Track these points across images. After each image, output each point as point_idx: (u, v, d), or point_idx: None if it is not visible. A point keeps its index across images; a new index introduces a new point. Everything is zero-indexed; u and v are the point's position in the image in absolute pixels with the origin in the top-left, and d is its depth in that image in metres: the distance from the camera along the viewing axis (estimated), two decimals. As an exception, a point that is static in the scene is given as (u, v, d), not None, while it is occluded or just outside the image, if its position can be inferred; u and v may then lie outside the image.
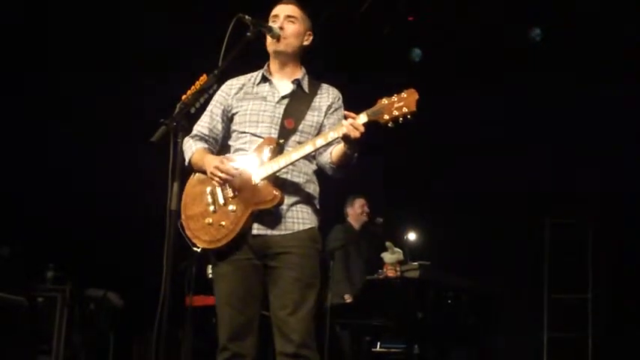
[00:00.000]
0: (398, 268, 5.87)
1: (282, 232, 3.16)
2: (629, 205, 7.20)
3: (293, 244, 3.15)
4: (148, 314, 3.17)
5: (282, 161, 3.08)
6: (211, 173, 3.14)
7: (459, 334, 5.80)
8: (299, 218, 3.20)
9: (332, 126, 3.23)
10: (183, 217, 3.20)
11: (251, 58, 3.18)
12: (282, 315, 3.10)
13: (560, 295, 7.76)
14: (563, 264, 7.79)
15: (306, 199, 3.23)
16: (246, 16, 3.12)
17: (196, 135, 3.33)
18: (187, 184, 3.26)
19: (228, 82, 3.36)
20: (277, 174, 3.12)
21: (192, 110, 2.89)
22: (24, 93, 6.83)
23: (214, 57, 3.04)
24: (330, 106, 3.30)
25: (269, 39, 3.27)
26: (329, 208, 3.67)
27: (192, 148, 3.29)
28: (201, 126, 3.34)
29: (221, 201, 3.16)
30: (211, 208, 3.17)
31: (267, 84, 3.31)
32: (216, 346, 3.22)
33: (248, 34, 3.11)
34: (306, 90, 3.30)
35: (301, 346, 3.06)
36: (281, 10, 3.31)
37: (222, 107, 3.32)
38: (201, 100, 2.92)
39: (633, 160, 7.10)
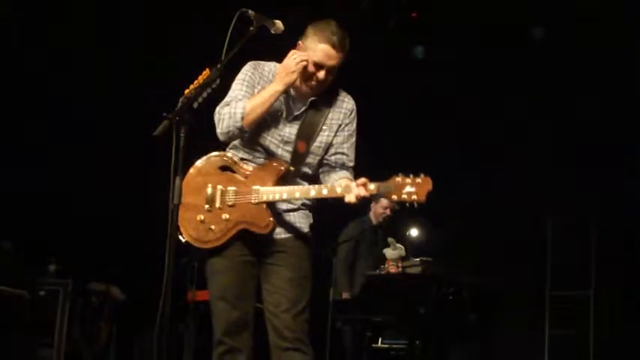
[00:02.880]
0: (400, 264, 5.88)
1: (281, 236, 3.19)
2: (632, 202, 7.19)
3: (289, 245, 3.19)
4: (150, 308, 3.18)
5: (285, 194, 3.09)
6: (297, 63, 3.05)
7: (460, 330, 5.81)
8: (296, 222, 3.23)
9: (339, 145, 3.24)
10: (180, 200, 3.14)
11: (253, 52, 3.18)
12: (276, 312, 3.13)
13: (562, 292, 7.76)
14: (565, 261, 7.79)
15: (304, 203, 3.26)
16: (250, 11, 3.11)
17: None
18: (190, 171, 3.19)
19: (261, 67, 3.24)
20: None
21: (195, 105, 2.88)
22: (23, 91, 6.83)
23: (217, 52, 3.04)
24: (340, 125, 3.26)
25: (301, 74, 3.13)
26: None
27: (240, 106, 3.10)
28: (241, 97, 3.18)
29: (218, 204, 3.13)
30: (207, 206, 3.13)
31: (285, 95, 3.19)
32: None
33: (251, 28, 3.10)
34: (321, 107, 3.23)
35: (295, 340, 3.10)
36: (328, 60, 3.12)
37: (252, 88, 3.20)
38: (204, 94, 2.91)
39: (636, 158, 7.10)
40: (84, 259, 6.69)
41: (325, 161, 3.27)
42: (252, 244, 3.17)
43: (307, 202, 3.27)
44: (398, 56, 7.75)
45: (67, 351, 6.40)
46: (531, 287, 7.80)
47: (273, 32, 3.22)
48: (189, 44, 6.65)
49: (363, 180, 3.01)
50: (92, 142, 7.09)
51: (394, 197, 2.97)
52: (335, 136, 3.25)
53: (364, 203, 6.29)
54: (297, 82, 3.16)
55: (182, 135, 2.79)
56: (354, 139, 3.30)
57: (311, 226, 3.30)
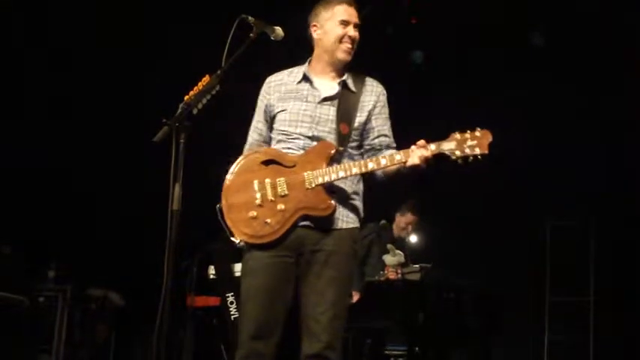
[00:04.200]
0: (399, 271, 5.87)
1: (326, 228, 3.08)
2: (631, 206, 7.20)
3: (334, 242, 3.08)
4: (149, 314, 3.17)
5: (341, 172, 3.03)
6: None
7: (460, 336, 5.80)
8: (344, 216, 3.13)
9: (380, 127, 3.22)
10: (224, 203, 3.11)
11: (254, 58, 3.18)
12: (314, 313, 3.02)
13: (561, 297, 7.76)
14: (564, 266, 7.79)
15: (352, 198, 3.17)
16: (250, 17, 3.12)
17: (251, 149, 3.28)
18: (232, 170, 3.16)
19: (268, 80, 3.31)
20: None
21: (195, 111, 2.88)
22: (25, 91, 6.84)
23: (217, 57, 3.04)
24: (374, 106, 3.23)
25: (331, 45, 3.19)
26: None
27: (246, 147, 3.29)
28: (252, 143, 3.29)
29: (270, 197, 3.05)
30: (257, 201, 3.05)
31: (308, 84, 3.22)
32: (216, 347, 3.21)
33: (251, 35, 3.11)
34: (353, 89, 3.22)
35: (327, 348, 3.00)
36: (351, 17, 3.21)
37: (264, 111, 3.26)
38: (204, 100, 2.91)
39: (635, 161, 7.10)
40: (83, 265, 6.68)
41: (369, 146, 3.22)
42: (295, 241, 3.06)
43: (357, 191, 3.19)
44: (397, 62, 7.76)
45: (66, 357, 6.40)
46: (531, 292, 7.80)
47: (273, 38, 3.23)
48: (190, 45, 6.68)
49: (422, 142, 2.98)
50: (92, 145, 7.08)
51: (458, 153, 2.93)
52: (371, 119, 3.21)
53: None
54: (328, 60, 3.21)
55: (181, 141, 2.80)
56: (389, 121, 3.28)
57: (360, 220, 3.21)
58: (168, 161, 2.78)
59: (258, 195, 3.06)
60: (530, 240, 7.83)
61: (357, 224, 3.18)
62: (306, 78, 3.23)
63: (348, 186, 3.14)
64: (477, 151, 2.91)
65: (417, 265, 5.89)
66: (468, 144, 2.92)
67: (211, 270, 5.63)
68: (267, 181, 3.07)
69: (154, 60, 7.00)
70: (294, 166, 3.08)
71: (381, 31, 7.37)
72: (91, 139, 7.08)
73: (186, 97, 2.91)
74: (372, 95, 3.25)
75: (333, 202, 3.03)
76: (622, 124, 7.18)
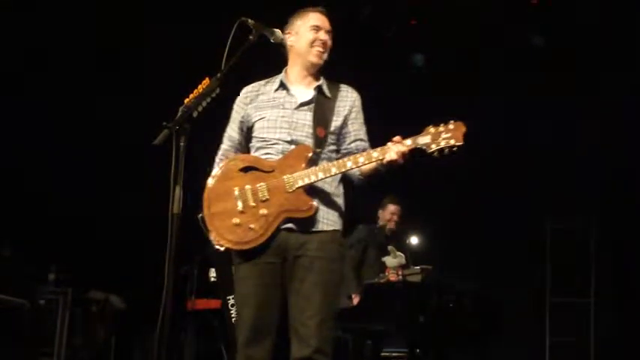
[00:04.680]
0: (400, 272, 5.87)
1: (308, 230, 3.10)
2: (631, 207, 7.20)
3: (317, 247, 3.09)
4: (149, 317, 3.17)
5: (320, 174, 3.06)
6: None
7: (460, 338, 5.79)
8: (325, 218, 3.14)
9: (356, 132, 3.26)
10: (206, 212, 3.14)
11: (253, 61, 3.18)
12: (301, 318, 3.04)
13: (562, 299, 7.75)
14: (565, 268, 7.79)
15: (333, 200, 3.18)
16: (249, 20, 3.12)
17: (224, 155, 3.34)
18: (211, 179, 3.19)
19: (244, 91, 3.36)
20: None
21: (195, 114, 2.88)
22: (24, 93, 6.84)
23: (217, 59, 3.04)
24: (350, 111, 3.28)
25: (304, 49, 3.26)
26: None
27: (219, 153, 3.36)
28: (226, 149, 3.35)
29: (251, 203, 3.08)
30: (239, 207, 3.09)
31: (285, 91, 3.27)
32: (218, 349, 3.22)
33: (251, 37, 3.11)
34: (328, 94, 3.28)
35: (317, 352, 3.02)
36: (323, 23, 3.29)
37: (239, 121, 3.31)
38: (204, 103, 2.91)
39: (635, 162, 7.10)
40: (84, 268, 6.68)
41: (346, 150, 3.26)
42: (278, 246, 3.09)
43: (338, 193, 3.22)
44: (398, 64, 7.77)
45: (67, 360, 6.40)
46: (531, 293, 7.80)
47: (272, 41, 3.24)
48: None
49: (397, 137, 3.02)
50: (92, 149, 7.09)
51: (433, 147, 2.96)
52: (347, 124, 3.26)
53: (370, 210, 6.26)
54: (301, 64, 3.27)
55: (182, 144, 2.80)
56: (365, 127, 3.32)
57: (343, 222, 3.22)
58: (168, 164, 2.78)
59: (239, 202, 3.10)
60: (530, 241, 7.83)
61: (337, 227, 3.20)
62: (282, 85, 3.29)
63: (328, 188, 3.17)
64: (452, 142, 2.93)
65: (417, 267, 5.88)
66: (442, 137, 2.95)
67: (212, 273, 5.63)
68: (248, 187, 3.10)
69: (155, 62, 7.01)
70: (272, 170, 3.12)
71: (380, 32, 7.39)
72: (92, 143, 7.08)
73: (186, 100, 2.91)
74: (347, 100, 3.30)
75: (314, 202, 3.08)
76: (621, 125, 7.18)
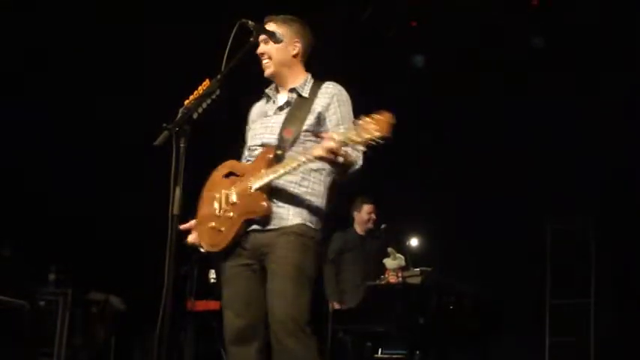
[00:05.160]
0: (400, 274, 5.87)
1: (269, 228, 3.15)
2: (631, 208, 7.19)
3: (283, 242, 3.13)
4: (149, 318, 3.18)
5: (270, 174, 3.10)
6: None
7: (460, 339, 5.80)
8: (288, 214, 3.16)
9: (334, 129, 3.20)
10: (196, 217, 3.29)
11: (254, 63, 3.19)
12: (270, 306, 3.08)
13: (562, 299, 7.75)
14: (564, 268, 7.79)
15: (298, 196, 3.19)
16: (249, 22, 3.12)
17: None
18: (204, 186, 3.31)
19: (252, 108, 3.49)
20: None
21: (195, 115, 2.88)
22: (24, 93, 6.84)
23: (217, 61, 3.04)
24: (327, 108, 3.26)
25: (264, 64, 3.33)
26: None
27: None
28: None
29: (224, 206, 3.18)
30: (217, 212, 3.20)
31: (271, 101, 3.38)
32: (217, 350, 3.24)
33: (251, 39, 3.12)
34: (306, 95, 3.29)
35: (286, 334, 3.03)
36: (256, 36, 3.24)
37: (245, 135, 3.44)
38: (204, 105, 2.91)
39: (635, 163, 7.10)
40: (84, 269, 6.68)
41: None
42: (252, 247, 3.16)
43: (308, 190, 3.21)
44: (398, 66, 7.77)
45: (67, 361, 6.40)
46: (531, 295, 7.79)
47: (273, 43, 3.24)
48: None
49: (328, 134, 3.02)
50: (92, 149, 7.08)
51: (357, 139, 2.88)
52: (325, 122, 3.24)
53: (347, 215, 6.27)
54: (265, 73, 3.34)
55: (182, 145, 2.80)
56: (347, 121, 3.21)
57: (310, 217, 3.19)
58: (168, 165, 2.78)
59: (216, 206, 3.21)
60: (530, 242, 7.83)
61: (300, 220, 3.16)
62: (267, 96, 3.41)
63: (292, 187, 3.19)
64: (377, 134, 2.85)
65: (417, 269, 5.89)
66: (368, 128, 2.88)
67: (212, 274, 5.64)
68: (224, 192, 3.20)
69: (155, 62, 7.00)
70: (244, 174, 3.20)
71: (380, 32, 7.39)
72: (91, 144, 7.08)
73: (186, 102, 2.92)
74: (325, 98, 3.28)
75: (265, 203, 3.12)
76: (622, 126, 7.18)
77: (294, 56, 3.34)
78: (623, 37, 6.93)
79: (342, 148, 2.96)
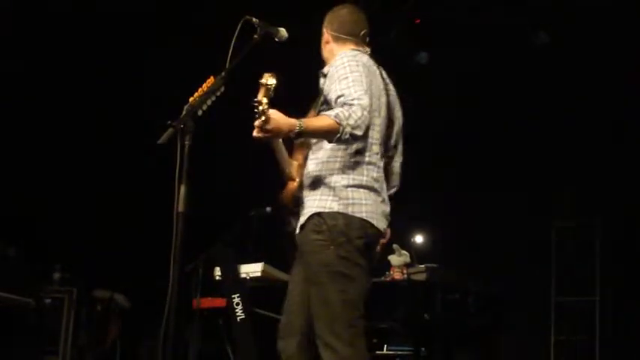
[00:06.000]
0: (405, 271, 5.86)
1: (297, 229, 3.16)
2: (636, 206, 7.18)
3: (300, 242, 3.13)
4: (155, 316, 3.18)
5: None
6: None
7: (465, 336, 5.79)
8: (304, 210, 3.12)
9: (332, 97, 3.01)
10: None
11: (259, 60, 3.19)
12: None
13: (567, 297, 7.74)
14: (569, 266, 7.78)
15: (316, 185, 3.09)
16: (254, 19, 3.12)
17: None
18: None
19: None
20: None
21: (200, 112, 2.89)
22: (24, 93, 6.85)
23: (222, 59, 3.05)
24: (325, 82, 3.13)
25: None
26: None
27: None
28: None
29: None
30: None
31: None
32: (223, 348, 3.26)
33: (255, 36, 3.11)
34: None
35: (318, 337, 3.05)
36: None
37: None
38: (209, 102, 2.92)
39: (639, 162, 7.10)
40: (89, 267, 6.69)
41: None
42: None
43: (322, 177, 3.08)
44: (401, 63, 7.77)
45: (73, 359, 6.41)
46: (536, 293, 7.78)
47: (277, 40, 3.24)
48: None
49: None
50: (97, 147, 7.09)
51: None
52: (327, 91, 3.09)
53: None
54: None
55: (186, 142, 2.80)
56: (342, 84, 3.00)
57: (329, 205, 3.05)
58: (173, 163, 2.79)
59: None
60: (535, 240, 7.82)
61: (318, 209, 3.06)
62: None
63: (311, 176, 3.13)
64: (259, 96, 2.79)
65: (422, 266, 5.88)
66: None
67: (217, 271, 5.64)
68: None
69: (159, 61, 7.02)
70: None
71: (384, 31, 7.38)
72: (97, 141, 7.09)
73: (190, 99, 2.92)
74: (329, 70, 3.14)
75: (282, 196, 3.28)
76: (627, 124, 7.17)
77: (327, 43, 3.34)
78: (624, 37, 6.92)
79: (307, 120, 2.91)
